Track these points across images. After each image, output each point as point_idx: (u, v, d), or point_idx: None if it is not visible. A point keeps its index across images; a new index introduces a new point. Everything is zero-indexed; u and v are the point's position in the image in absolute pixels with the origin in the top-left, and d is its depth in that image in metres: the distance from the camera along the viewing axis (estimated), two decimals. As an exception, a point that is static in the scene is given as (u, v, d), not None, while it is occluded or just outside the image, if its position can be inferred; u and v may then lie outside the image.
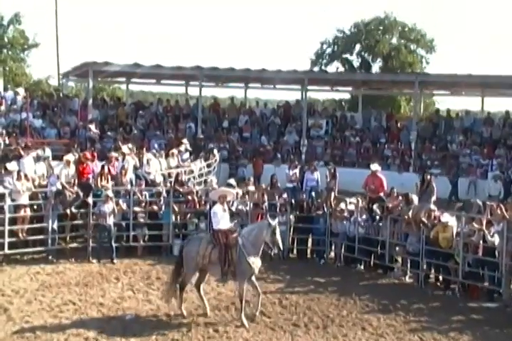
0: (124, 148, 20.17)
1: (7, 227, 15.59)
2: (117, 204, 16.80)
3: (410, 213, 15.78)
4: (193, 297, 13.08)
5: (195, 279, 12.85)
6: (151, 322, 12.33)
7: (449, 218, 15.04)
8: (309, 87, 30.96)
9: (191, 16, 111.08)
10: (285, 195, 18.42)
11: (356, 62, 44.92)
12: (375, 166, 17.97)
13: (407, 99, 42.43)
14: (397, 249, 16.28)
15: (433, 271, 15.63)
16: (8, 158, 18.82)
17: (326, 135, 30.01)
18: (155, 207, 17.61)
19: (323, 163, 26.07)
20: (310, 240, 17.80)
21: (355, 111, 34.57)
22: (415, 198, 16.13)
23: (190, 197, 17.78)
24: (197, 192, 18.21)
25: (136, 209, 17.40)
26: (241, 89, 35.80)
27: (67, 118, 27.82)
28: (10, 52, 41.16)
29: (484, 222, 14.42)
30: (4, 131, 23.98)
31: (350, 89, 37.92)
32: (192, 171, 22.36)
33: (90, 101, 28.02)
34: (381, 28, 44.11)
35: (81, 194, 16.64)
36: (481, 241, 14.37)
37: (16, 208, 16.13)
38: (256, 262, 12.34)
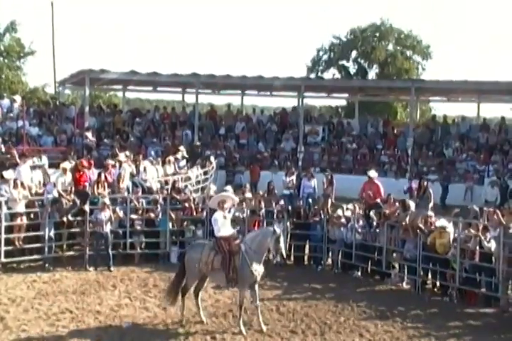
0: (121, 156, 20.17)
1: (3, 236, 15.56)
2: (114, 211, 16.77)
3: (407, 219, 15.79)
4: (190, 304, 13.05)
5: (194, 286, 12.82)
6: (149, 330, 12.30)
7: (445, 223, 15.05)
8: (306, 94, 31.05)
9: (188, 24, 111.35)
10: (282, 202, 18.43)
11: (352, 69, 45.15)
12: (372, 173, 17.99)
13: (404, 106, 42.55)
14: (394, 255, 16.29)
15: (430, 277, 15.62)
16: (4, 166, 18.79)
17: (323, 141, 30.06)
18: (152, 215, 17.59)
19: (319, 170, 26.10)
20: (307, 247, 17.79)
21: (351, 117, 34.63)
22: (412, 204, 16.15)
23: (187, 205, 17.77)
24: (194, 199, 18.19)
25: (133, 216, 17.38)
26: (238, 96, 35.84)
27: (63, 126, 27.82)
28: (6, 60, 41.14)
29: (480, 228, 14.43)
30: (0, 139, 23.98)
31: (346, 95, 38.02)
32: (189, 178, 22.36)
33: (87, 109, 28.05)
34: (377, 34, 44.29)
35: (78, 202, 16.62)
36: (478, 247, 14.38)
37: (13, 216, 16.09)
38: (258, 269, 12.29)
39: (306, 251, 17.83)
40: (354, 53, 44.65)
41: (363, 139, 29.99)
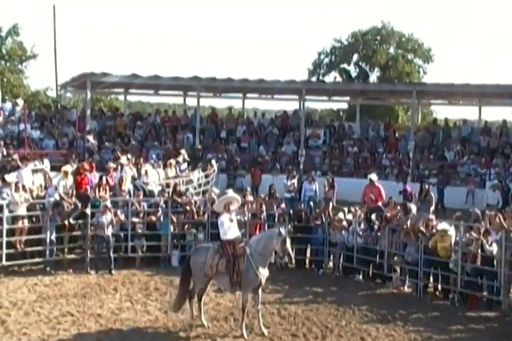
0: (122, 159, 20.18)
1: (5, 239, 15.55)
2: (115, 214, 16.77)
3: (409, 223, 15.79)
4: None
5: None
6: (150, 333, 12.28)
7: (446, 227, 15.04)
8: (307, 97, 31.03)
9: (190, 27, 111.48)
10: (283, 205, 18.44)
11: (354, 72, 45.16)
12: (373, 176, 17.98)
13: (405, 109, 42.56)
14: (395, 258, 16.27)
15: (432, 280, 15.60)
16: (6, 169, 18.81)
17: (324, 145, 30.07)
18: (153, 218, 17.59)
19: (321, 173, 26.10)
20: (308, 250, 17.78)
21: (353, 121, 34.63)
22: (413, 208, 16.14)
23: (188, 208, 17.76)
24: (195, 202, 18.19)
25: (135, 219, 17.38)
26: (239, 99, 35.89)
27: (65, 130, 27.89)
28: (8, 64, 41.25)
29: (482, 231, 14.42)
30: (2, 143, 24.01)
31: (347, 99, 38.03)
32: (191, 181, 22.37)
33: (88, 112, 28.13)
34: (378, 37, 44.35)
35: (79, 205, 16.61)
36: (480, 251, 14.36)
37: (14, 219, 16.09)
38: (263, 272, 12.26)
39: (308, 254, 17.80)
40: (355, 56, 44.71)
41: (364, 142, 30.00)
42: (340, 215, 17.45)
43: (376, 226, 16.73)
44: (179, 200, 17.93)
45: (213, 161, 25.82)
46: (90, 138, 26.62)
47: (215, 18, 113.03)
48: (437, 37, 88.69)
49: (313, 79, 43.03)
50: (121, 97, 38.64)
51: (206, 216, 17.61)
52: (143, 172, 20.02)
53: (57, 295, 14.34)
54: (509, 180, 25.38)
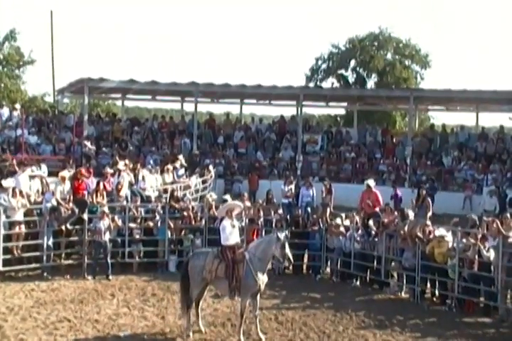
0: (120, 164, 20.17)
1: (2, 244, 15.54)
2: (113, 220, 16.76)
3: (406, 228, 15.80)
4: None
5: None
6: (147, 339, 12.26)
7: (444, 232, 15.06)
8: (304, 103, 31.06)
9: (188, 32, 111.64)
10: (281, 211, 18.45)
11: (351, 78, 45.17)
12: (370, 182, 17.99)
13: (402, 115, 42.56)
14: (392, 264, 16.29)
15: (429, 286, 15.60)
16: (3, 174, 18.79)
17: (322, 150, 30.08)
18: (150, 224, 17.58)
19: (318, 179, 26.09)
20: (306, 256, 17.77)
21: (350, 126, 34.65)
22: (411, 213, 16.15)
23: (185, 213, 17.76)
24: (193, 208, 18.19)
25: (132, 225, 17.37)
26: (236, 104, 35.90)
27: (62, 135, 27.85)
28: (5, 69, 41.18)
29: (479, 237, 14.43)
30: (-1, 148, 23.98)
31: (345, 104, 38.04)
32: (189, 186, 22.37)
33: (86, 118, 28.11)
34: (376, 43, 44.39)
35: (76, 210, 16.61)
36: (477, 256, 14.37)
37: (11, 225, 16.07)
38: (262, 278, 12.26)
39: (305, 260, 17.80)
40: (353, 62, 44.72)
41: (362, 148, 30.02)
42: (338, 221, 17.48)
43: (373, 232, 16.75)
44: (176, 206, 17.94)
45: (211, 167, 25.82)
46: (88, 143, 26.60)
47: (214, 23, 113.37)
48: (435, 43, 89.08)
49: (311, 84, 43.09)
50: (119, 103, 38.64)
51: (203, 221, 17.62)
52: (140, 177, 20.02)
53: (54, 300, 14.32)
54: (506, 186, 25.40)
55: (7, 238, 15.86)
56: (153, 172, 21.24)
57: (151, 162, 25.28)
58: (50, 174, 20.29)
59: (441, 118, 42.17)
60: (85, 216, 16.63)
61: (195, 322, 12.67)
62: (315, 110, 44.63)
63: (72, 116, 29.91)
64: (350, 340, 12.59)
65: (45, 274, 16.13)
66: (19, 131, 26.04)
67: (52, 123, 29.15)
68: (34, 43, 73.38)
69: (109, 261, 16.41)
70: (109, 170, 19.29)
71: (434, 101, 33.37)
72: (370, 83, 44.64)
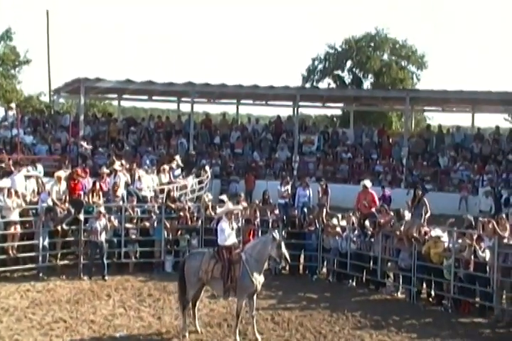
0: (116, 165, 20.14)
1: (-3, 244, 15.52)
2: (109, 220, 16.73)
3: (402, 229, 15.80)
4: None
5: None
6: (143, 340, 12.24)
7: (439, 233, 15.07)
8: (301, 103, 31.09)
9: (184, 32, 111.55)
10: (277, 211, 18.43)
11: (347, 79, 45.26)
12: (366, 182, 17.98)
13: (399, 115, 42.66)
14: (389, 264, 16.29)
15: (425, 286, 15.61)
16: (-2, 174, 18.74)
17: (318, 151, 30.10)
18: (147, 224, 17.55)
19: (314, 179, 26.09)
20: (302, 256, 17.76)
21: (346, 127, 34.69)
22: (407, 214, 16.16)
23: (182, 214, 17.74)
24: (189, 208, 18.16)
25: (128, 225, 17.34)
26: (233, 105, 35.91)
27: (58, 135, 27.82)
28: (1, 69, 41.11)
29: (475, 237, 14.44)
30: (-5, 148, 23.92)
31: (341, 105, 38.12)
32: (185, 187, 22.35)
33: (82, 118, 28.06)
34: (372, 44, 44.46)
35: (72, 210, 16.57)
36: (472, 257, 14.38)
37: (6, 225, 16.03)
38: (259, 279, 12.26)
39: (301, 260, 17.79)
40: (349, 63, 44.81)
41: (358, 149, 30.04)
42: (334, 221, 17.48)
43: (370, 232, 16.74)
44: (173, 206, 17.91)
45: (207, 167, 25.81)
46: (84, 143, 26.57)
47: (210, 23, 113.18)
48: (431, 44, 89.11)
49: (307, 85, 43.10)
50: (115, 103, 38.59)
51: (200, 222, 17.60)
52: (136, 177, 19.99)
53: (50, 301, 14.28)
54: (501, 187, 25.47)
55: (2, 238, 15.83)
56: (150, 172, 21.23)
57: (148, 162, 25.29)
58: (45, 174, 20.28)
59: (437, 118, 42.36)
60: (81, 216, 16.59)
61: (191, 323, 12.66)
62: (311, 110, 44.78)
63: (68, 116, 29.90)
64: (347, 340, 12.59)
65: (40, 275, 16.10)
66: (15, 131, 25.98)
67: (48, 123, 29.13)
68: (30, 43, 73.16)
69: (105, 261, 16.38)
70: (106, 170, 19.25)
71: (430, 102, 33.42)
72: (367, 84, 44.80)
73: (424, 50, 44.94)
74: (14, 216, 16.15)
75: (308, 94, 32.61)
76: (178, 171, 23.30)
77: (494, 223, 14.45)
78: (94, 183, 17.79)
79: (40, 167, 20.73)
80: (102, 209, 16.62)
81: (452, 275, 14.56)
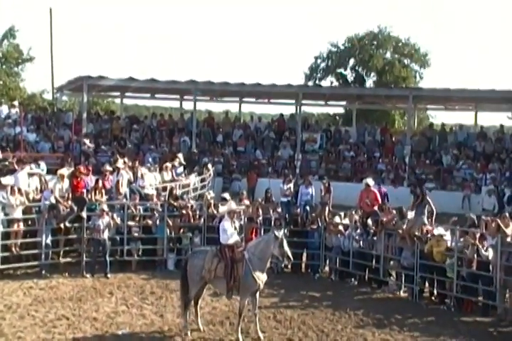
0: (119, 162, 20.13)
1: (0, 242, 15.52)
2: (112, 218, 16.74)
3: (404, 227, 15.79)
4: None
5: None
6: (145, 337, 12.25)
7: (442, 231, 15.06)
8: (304, 102, 31.10)
9: (187, 30, 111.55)
10: (279, 209, 18.43)
11: (350, 77, 45.14)
12: (369, 180, 17.96)
13: (401, 114, 42.57)
14: (391, 263, 16.27)
15: (427, 285, 15.60)
16: (1, 172, 18.76)
17: (321, 149, 30.08)
18: (149, 222, 17.56)
19: (317, 177, 26.08)
20: (304, 254, 17.76)
21: (349, 125, 34.67)
22: (409, 212, 16.14)
23: (184, 212, 17.75)
24: (191, 206, 18.17)
25: (131, 223, 17.36)
26: (235, 103, 35.91)
27: (61, 132, 27.82)
28: (4, 67, 41.15)
29: (477, 236, 14.43)
30: (-2, 145, 23.94)
31: (344, 103, 38.09)
32: (187, 185, 22.34)
33: (84, 115, 28.06)
34: (375, 42, 44.36)
35: (75, 208, 16.57)
36: (475, 256, 14.37)
37: (10, 222, 16.05)
38: (261, 277, 12.24)
39: (304, 258, 17.79)
40: (352, 61, 44.72)
41: (361, 147, 30.02)
42: (337, 219, 17.49)
43: (372, 231, 16.74)
44: (175, 204, 17.92)
45: (209, 165, 25.80)
46: (87, 141, 26.57)
47: (213, 22, 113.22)
48: (434, 42, 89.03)
49: (310, 83, 43.03)
50: (118, 100, 38.62)
51: (202, 220, 17.60)
52: (139, 175, 19.99)
53: (53, 298, 14.30)
54: (505, 185, 25.44)
55: (5, 236, 15.83)
56: (152, 170, 21.22)
57: (150, 160, 25.28)
58: (48, 172, 20.29)
59: (440, 117, 42.23)
60: (84, 214, 16.60)
61: (193, 321, 12.67)
62: (314, 109, 44.63)
63: (70, 114, 29.89)
64: (349, 339, 12.59)
65: (43, 272, 16.11)
66: (18, 129, 26.02)
67: (51, 120, 29.14)
68: (33, 41, 73.25)
69: (107, 259, 16.39)
70: (108, 168, 19.25)
71: (433, 100, 33.39)
72: (369, 82, 44.70)
73: (427, 49, 44.89)
74: (17, 213, 16.18)
75: (310, 92, 32.55)
76: (180, 169, 23.27)
77: (499, 222, 14.43)
78: (96, 181, 17.80)
79: (43, 164, 20.74)
80: (105, 207, 16.63)
81: (455, 274, 14.55)
